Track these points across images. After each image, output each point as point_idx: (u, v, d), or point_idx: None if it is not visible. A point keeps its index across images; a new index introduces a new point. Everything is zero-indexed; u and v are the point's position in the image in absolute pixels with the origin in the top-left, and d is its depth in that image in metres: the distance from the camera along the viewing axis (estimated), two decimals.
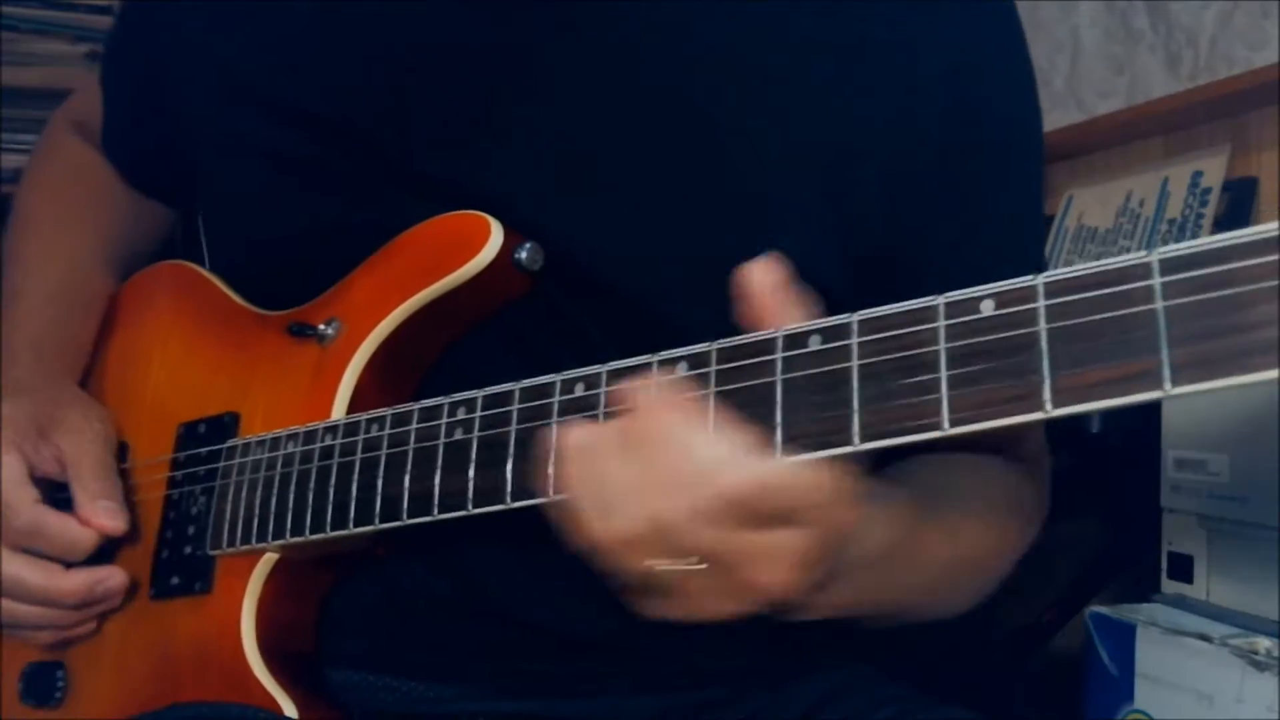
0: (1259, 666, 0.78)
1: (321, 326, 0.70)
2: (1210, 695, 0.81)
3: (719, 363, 0.52)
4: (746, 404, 0.51)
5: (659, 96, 0.68)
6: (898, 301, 0.49)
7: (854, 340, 0.48)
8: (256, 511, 0.68)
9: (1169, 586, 0.98)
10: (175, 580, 0.73)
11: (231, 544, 0.69)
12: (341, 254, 0.71)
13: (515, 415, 0.58)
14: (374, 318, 0.68)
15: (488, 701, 0.72)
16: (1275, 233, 0.40)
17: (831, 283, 0.68)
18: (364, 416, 0.65)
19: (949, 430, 0.45)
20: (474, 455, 0.59)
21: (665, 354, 0.54)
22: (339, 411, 0.68)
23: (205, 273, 0.82)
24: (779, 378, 0.50)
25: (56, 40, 1.75)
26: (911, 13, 0.69)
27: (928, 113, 0.67)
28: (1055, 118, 1.67)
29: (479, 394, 0.60)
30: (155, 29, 0.84)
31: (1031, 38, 0.73)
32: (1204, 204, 1.44)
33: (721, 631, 0.56)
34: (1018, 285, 0.45)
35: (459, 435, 0.59)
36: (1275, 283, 0.39)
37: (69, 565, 0.74)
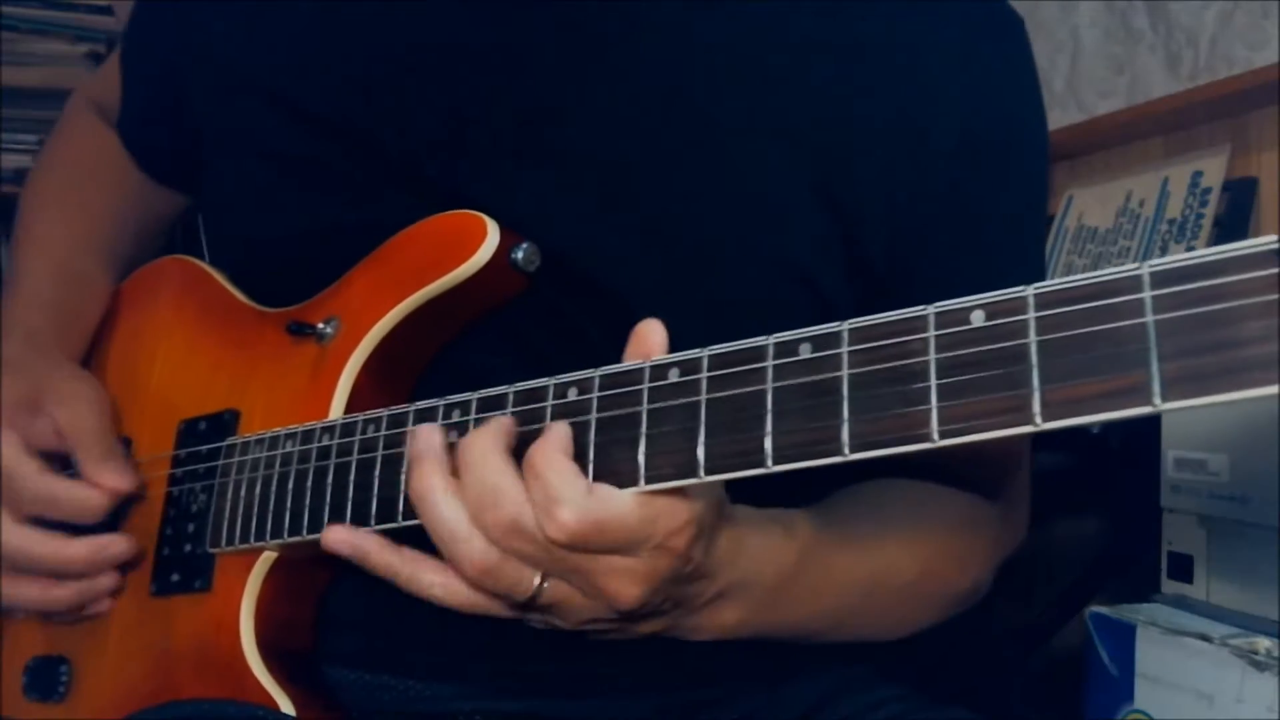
0: (1259, 666, 0.78)
1: (320, 325, 0.71)
2: (1210, 695, 0.80)
3: (710, 369, 0.52)
4: (737, 411, 0.51)
5: (659, 96, 0.68)
6: (896, 310, 0.48)
7: (844, 349, 0.48)
8: (255, 510, 0.68)
9: (1169, 586, 0.98)
10: (176, 577, 0.73)
11: (231, 542, 0.69)
12: (341, 253, 0.71)
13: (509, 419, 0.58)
14: (372, 317, 0.68)
15: (486, 701, 0.72)
16: (1267, 247, 0.39)
17: (828, 288, 0.68)
18: (361, 417, 0.65)
19: (939, 442, 0.45)
20: None
21: (657, 360, 0.54)
22: (336, 411, 0.68)
23: (208, 268, 0.82)
24: (769, 386, 0.50)
25: (56, 40, 1.76)
26: (912, 13, 0.68)
27: (928, 114, 0.67)
28: (1055, 118, 1.67)
29: (474, 396, 0.60)
30: (167, 24, 0.84)
31: (1032, 38, 0.73)
32: (1204, 204, 1.44)
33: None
34: (1008, 296, 0.45)
35: (454, 438, 0.59)
36: (1267, 298, 0.39)
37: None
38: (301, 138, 0.73)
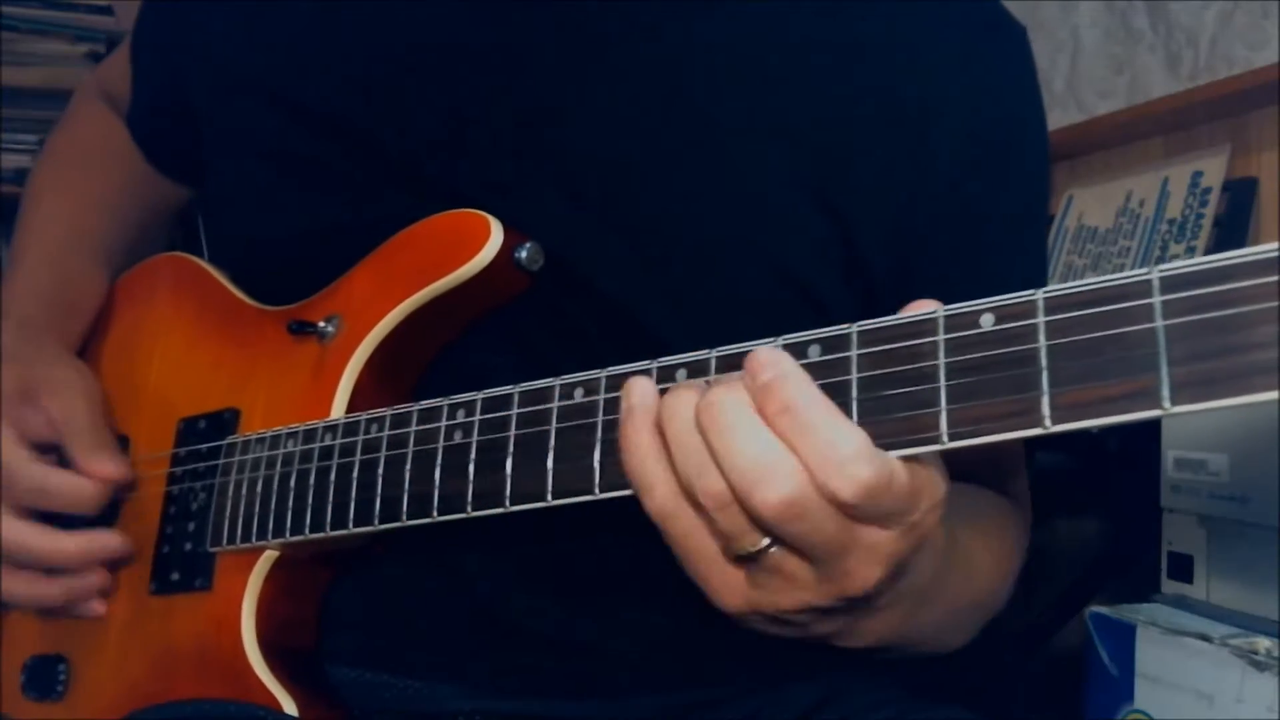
0: (1259, 666, 0.78)
1: (322, 324, 0.70)
2: (1210, 695, 0.80)
3: (718, 370, 0.52)
4: None
5: (658, 97, 0.68)
6: (893, 314, 0.48)
7: (853, 351, 0.48)
8: (256, 510, 0.68)
9: (1169, 586, 0.98)
10: (176, 576, 0.73)
11: (232, 541, 0.69)
12: (340, 253, 0.71)
13: (514, 420, 0.58)
14: (374, 316, 0.68)
15: (486, 700, 0.72)
16: (1276, 253, 0.39)
17: (827, 289, 0.68)
18: (363, 416, 0.65)
19: (947, 444, 0.45)
20: (473, 458, 0.59)
21: (665, 360, 0.53)
22: (338, 410, 0.68)
23: (205, 265, 0.82)
24: None
25: (56, 40, 1.76)
26: (912, 14, 0.68)
27: (929, 115, 0.67)
28: (1055, 118, 1.67)
29: (478, 396, 0.60)
30: (170, 23, 0.85)
31: (1032, 38, 0.73)
32: (1204, 204, 1.44)
33: (720, 633, 0.56)
34: (1017, 300, 0.45)
35: (458, 438, 0.59)
36: (1276, 303, 0.39)
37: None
38: (301, 137, 0.73)
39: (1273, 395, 0.39)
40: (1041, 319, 0.44)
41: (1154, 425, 0.99)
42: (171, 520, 0.75)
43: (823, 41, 0.68)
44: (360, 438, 0.64)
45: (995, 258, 0.70)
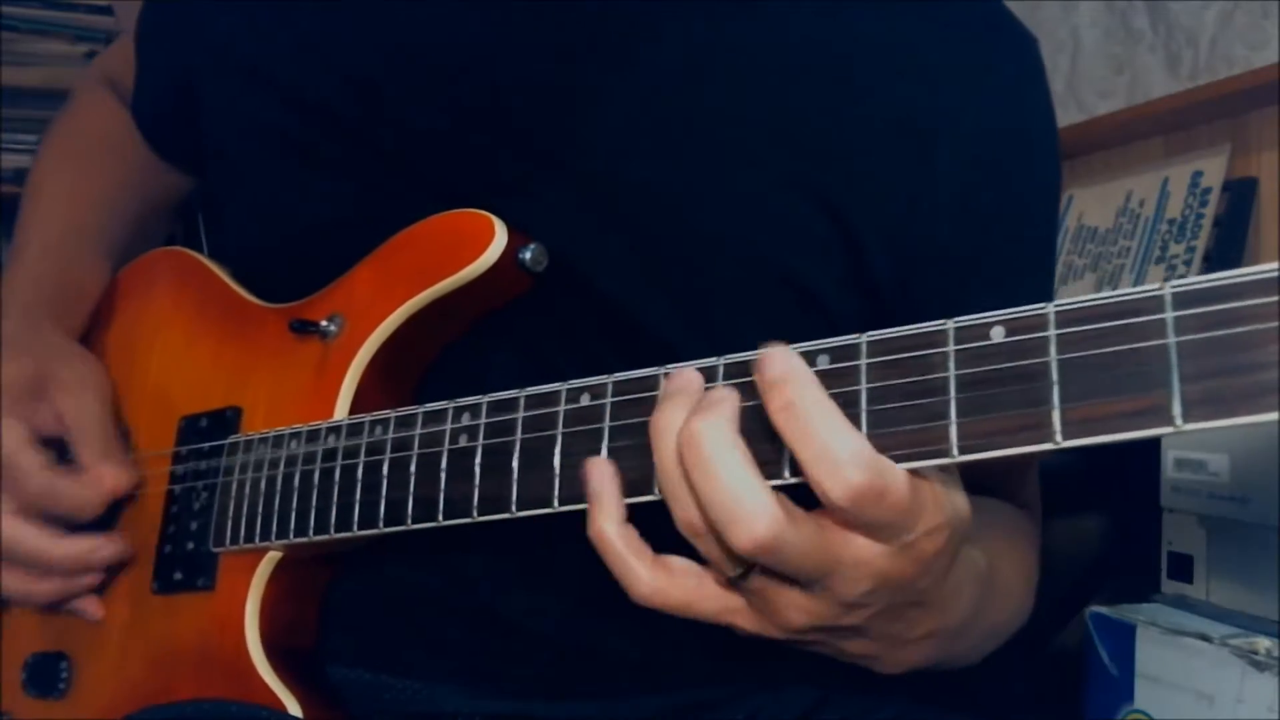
0: (1259, 666, 0.78)
1: (324, 323, 0.70)
2: (1210, 695, 0.80)
3: (726, 378, 0.51)
4: (753, 422, 0.49)
5: (658, 97, 0.68)
6: (898, 325, 0.48)
7: (863, 361, 0.48)
8: (260, 510, 0.68)
9: (1169, 586, 0.98)
10: (178, 575, 0.73)
11: (235, 541, 0.69)
12: (341, 250, 0.71)
13: (520, 424, 0.57)
14: (377, 316, 0.68)
15: (486, 701, 0.72)
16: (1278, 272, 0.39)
17: (829, 295, 0.68)
18: (368, 418, 0.65)
19: (957, 458, 0.45)
20: (479, 462, 0.58)
21: (673, 367, 0.53)
22: (342, 409, 0.68)
23: (205, 261, 0.82)
24: None
25: (56, 40, 1.76)
26: (915, 19, 0.68)
27: (935, 121, 0.66)
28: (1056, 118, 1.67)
29: (484, 400, 0.59)
30: (174, 18, 0.85)
31: None
32: (1204, 204, 1.44)
33: (720, 633, 0.56)
34: (1029, 313, 0.44)
35: (464, 441, 0.59)
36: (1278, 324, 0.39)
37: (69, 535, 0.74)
38: (303, 135, 0.73)
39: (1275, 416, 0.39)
40: (1053, 332, 0.43)
41: None
42: (174, 519, 0.75)
43: (825, 44, 0.67)
44: (365, 439, 0.64)
45: (1005, 269, 0.69)
